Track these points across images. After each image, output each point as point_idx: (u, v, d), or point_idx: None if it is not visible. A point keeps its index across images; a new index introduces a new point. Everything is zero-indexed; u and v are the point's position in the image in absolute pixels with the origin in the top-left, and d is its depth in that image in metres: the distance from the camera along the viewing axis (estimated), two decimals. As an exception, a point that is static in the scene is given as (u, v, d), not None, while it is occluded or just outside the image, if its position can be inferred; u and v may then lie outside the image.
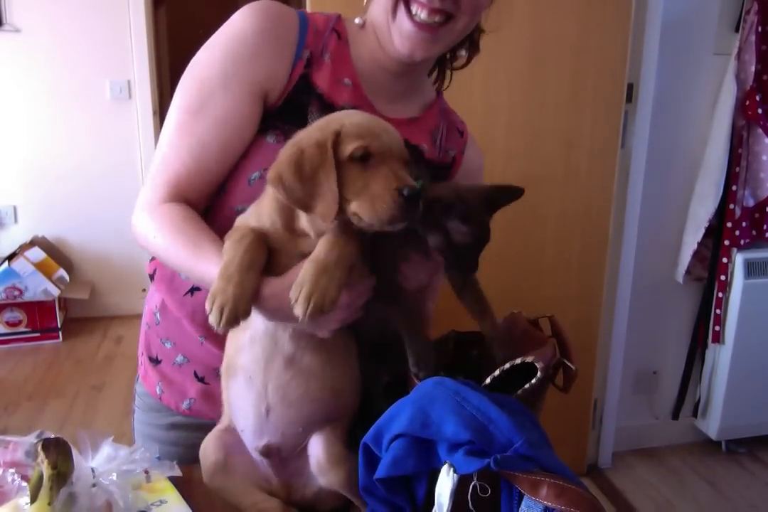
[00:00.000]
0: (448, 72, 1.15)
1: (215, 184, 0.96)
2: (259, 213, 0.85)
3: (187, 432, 1.07)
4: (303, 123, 0.92)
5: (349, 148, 0.77)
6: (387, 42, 0.96)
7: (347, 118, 0.81)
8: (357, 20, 1.01)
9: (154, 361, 1.10)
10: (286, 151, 0.81)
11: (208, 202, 0.98)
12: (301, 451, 0.88)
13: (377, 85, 1.01)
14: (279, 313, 0.80)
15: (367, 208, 0.76)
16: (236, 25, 0.94)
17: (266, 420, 0.87)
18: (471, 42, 1.11)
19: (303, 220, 0.83)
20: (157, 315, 1.08)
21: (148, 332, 1.11)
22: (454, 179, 1.11)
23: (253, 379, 0.86)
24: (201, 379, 1.05)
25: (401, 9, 0.92)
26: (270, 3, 0.96)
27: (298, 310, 0.75)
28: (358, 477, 0.81)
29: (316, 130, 0.81)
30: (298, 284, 0.76)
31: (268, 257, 0.82)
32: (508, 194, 0.83)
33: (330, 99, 0.97)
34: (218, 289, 0.77)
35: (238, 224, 0.86)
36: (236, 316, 0.77)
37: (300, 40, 0.96)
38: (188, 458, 0.97)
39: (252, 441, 0.89)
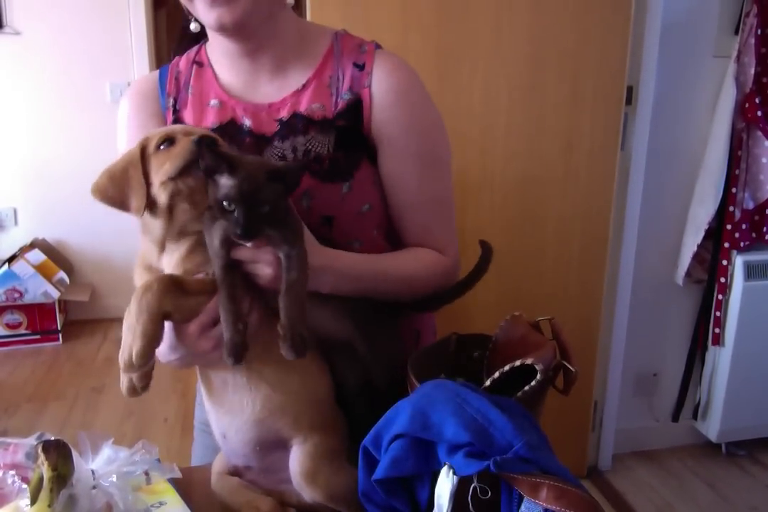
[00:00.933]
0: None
1: None
2: (134, 274, 0.92)
3: None
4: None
5: (154, 140, 0.84)
6: (204, 24, 0.97)
7: (150, 132, 0.89)
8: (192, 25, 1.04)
9: None
10: (108, 166, 0.89)
11: None
12: (280, 466, 0.88)
13: (246, 80, 1.01)
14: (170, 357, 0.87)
15: (165, 167, 0.81)
16: (118, 116, 1.08)
17: (226, 444, 0.90)
18: None
19: (147, 237, 0.88)
20: None
21: None
22: (372, 117, 0.98)
23: (209, 409, 0.91)
24: None
25: None
26: (132, 85, 1.10)
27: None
28: (340, 489, 0.82)
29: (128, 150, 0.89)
30: None
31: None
32: (289, 169, 0.81)
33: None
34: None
35: (139, 260, 0.92)
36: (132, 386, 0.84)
37: (161, 94, 1.04)
38: None
39: (226, 462, 0.93)
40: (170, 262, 0.85)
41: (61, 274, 3.70)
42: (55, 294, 3.60)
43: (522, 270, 2.31)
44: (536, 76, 2.17)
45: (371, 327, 0.93)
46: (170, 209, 0.83)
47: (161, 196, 0.82)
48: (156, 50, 4.14)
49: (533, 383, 0.75)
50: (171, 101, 1.03)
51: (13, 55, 3.69)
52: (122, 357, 0.78)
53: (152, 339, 0.78)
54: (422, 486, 0.74)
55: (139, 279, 0.88)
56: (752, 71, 2.33)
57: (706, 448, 2.77)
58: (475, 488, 0.66)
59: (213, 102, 1.01)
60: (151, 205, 0.83)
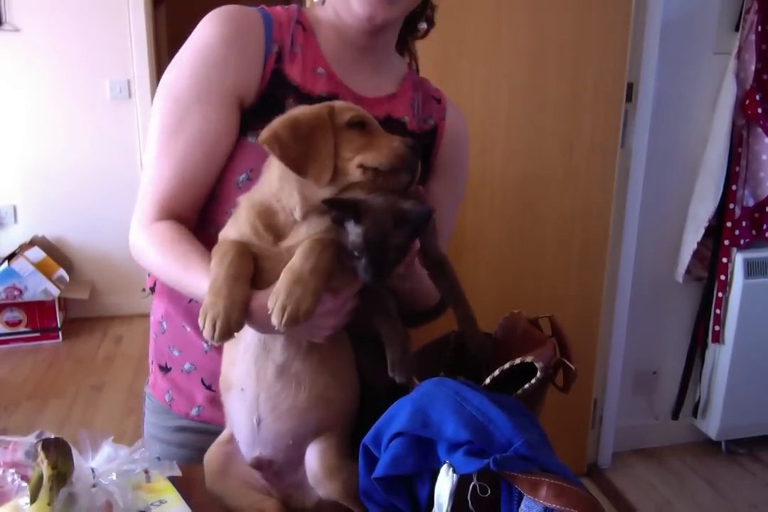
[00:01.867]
0: (411, 45, 1.16)
1: (204, 196, 0.98)
2: (238, 223, 0.85)
3: (196, 434, 1.07)
4: None
5: (346, 115, 0.82)
6: (347, 11, 0.96)
7: (336, 103, 0.86)
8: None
9: (164, 369, 1.10)
10: (280, 118, 0.83)
11: (200, 212, 0.99)
12: (299, 464, 0.87)
13: (349, 67, 1.02)
14: (267, 326, 0.78)
15: (374, 155, 0.80)
16: (200, 37, 0.95)
17: (257, 432, 0.87)
18: (426, 16, 1.13)
19: (290, 199, 0.82)
20: (163, 324, 1.09)
21: (157, 341, 1.12)
22: (441, 146, 1.10)
23: (246, 391, 0.86)
24: (208, 387, 1.05)
25: None
26: (229, 8, 0.96)
27: (274, 320, 0.75)
28: (356, 486, 0.81)
29: (306, 108, 0.84)
30: (274, 294, 0.76)
31: (256, 267, 0.82)
32: (416, 212, 0.77)
33: (306, 90, 0.97)
34: (209, 304, 0.77)
35: (221, 239, 0.86)
36: (229, 328, 0.77)
37: (267, 36, 0.96)
38: (196, 460, 0.97)
39: (246, 452, 0.90)
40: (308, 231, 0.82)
41: (61, 272, 3.70)
42: (55, 291, 3.60)
43: (522, 268, 2.31)
44: (536, 74, 2.16)
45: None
46: (348, 188, 0.81)
47: (352, 176, 0.80)
48: (156, 47, 4.14)
49: (533, 381, 0.75)
50: (276, 48, 0.96)
51: (12, 52, 3.69)
52: (284, 310, 0.74)
53: (320, 295, 0.76)
54: (422, 485, 0.74)
55: (248, 227, 0.83)
56: (753, 68, 2.33)
57: (706, 446, 2.78)
58: (474, 486, 0.66)
59: (321, 70, 0.99)
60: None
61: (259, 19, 0.96)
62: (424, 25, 1.13)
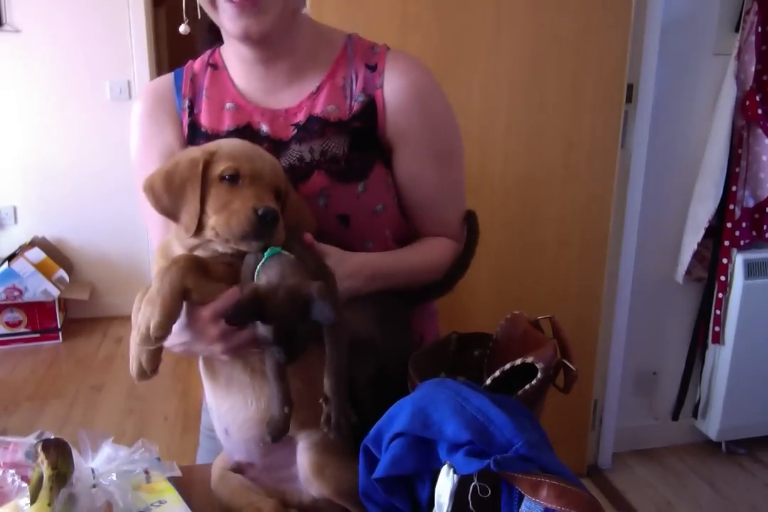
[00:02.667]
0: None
1: None
2: (154, 261, 0.94)
3: None
4: None
5: (220, 167, 0.83)
6: (227, 33, 0.97)
7: (226, 143, 0.88)
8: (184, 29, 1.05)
9: None
10: (162, 165, 0.88)
11: None
12: (287, 461, 0.88)
13: (262, 86, 1.02)
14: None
15: (223, 223, 0.81)
16: (131, 116, 1.07)
17: (228, 440, 0.90)
18: None
19: (174, 234, 0.88)
20: None
21: None
22: (387, 115, 0.99)
23: (210, 404, 0.92)
24: None
25: None
26: (146, 86, 1.09)
27: (134, 339, 0.82)
28: (347, 484, 0.81)
29: (197, 148, 0.87)
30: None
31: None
32: (321, 312, 0.75)
33: (214, 131, 1.02)
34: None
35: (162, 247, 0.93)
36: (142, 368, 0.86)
37: (177, 96, 1.04)
38: None
39: (228, 458, 0.93)
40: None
41: (61, 273, 3.70)
42: (55, 292, 3.60)
43: (522, 269, 2.31)
44: (536, 74, 2.16)
45: (387, 321, 0.93)
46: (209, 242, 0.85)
47: (209, 234, 0.83)
48: (155, 48, 4.14)
49: (534, 382, 0.75)
50: (187, 103, 1.03)
51: (12, 52, 3.69)
52: (140, 330, 0.79)
53: (171, 313, 0.79)
54: (423, 485, 0.74)
55: (157, 266, 0.89)
56: (752, 69, 2.33)
57: (706, 447, 2.77)
58: (475, 487, 0.66)
59: (229, 105, 1.02)
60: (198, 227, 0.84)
61: (170, 83, 1.05)
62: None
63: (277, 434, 0.80)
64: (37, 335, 3.64)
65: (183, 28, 1.05)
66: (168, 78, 1.06)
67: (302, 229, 0.89)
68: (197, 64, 1.06)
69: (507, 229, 2.26)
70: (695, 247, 2.48)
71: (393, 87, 0.99)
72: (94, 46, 3.78)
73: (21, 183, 3.85)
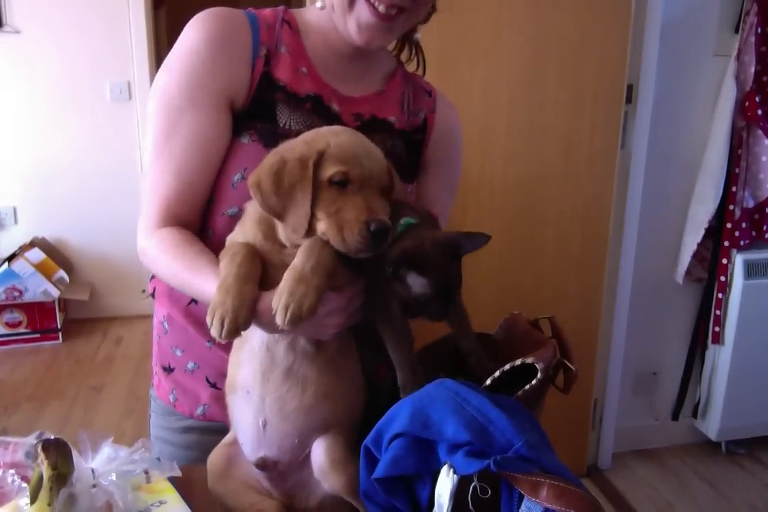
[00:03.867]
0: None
1: (204, 198, 0.99)
2: (244, 229, 0.88)
3: (202, 435, 1.08)
4: (273, 119, 0.96)
5: (329, 171, 0.80)
6: (343, 29, 0.96)
7: (334, 138, 0.83)
8: (318, 3, 1.00)
9: (167, 370, 1.11)
10: (269, 159, 0.83)
11: (203, 213, 1.00)
12: (303, 464, 0.88)
13: (334, 70, 1.03)
14: (274, 325, 0.79)
15: (335, 234, 0.79)
16: (188, 40, 0.95)
17: (263, 434, 0.87)
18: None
19: (280, 231, 0.85)
20: (165, 324, 1.10)
21: (159, 342, 1.13)
22: (432, 139, 1.10)
23: (251, 394, 0.87)
24: (213, 385, 1.06)
25: (360, 1, 0.93)
26: (215, 10, 0.97)
27: (278, 319, 0.76)
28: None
29: (302, 143, 0.83)
30: (278, 294, 0.77)
31: (263, 272, 0.83)
32: (474, 242, 0.78)
33: (293, 89, 0.98)
34: (218, 302, 0.79)
35: (228, 242, 0.88)
36: (237, 327, 0.78)
37: (254, 39, 0.97)
38: (203, 461, 0.97)
39: (250, 454, 0.90)
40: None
41: (61, 273, 3.70)
42: (55, 292, 3.60)
43: (522, 270, 2.31)
44: (536, 75, 2.17)
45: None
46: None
47: (318, 230, 0.81)
48: (155, 49, 4.14)
49: (534, 382, 0.75)
50: (264, 50, 0.97)
51: (12, 53, 3.69)
52: (287, 309, 0.75)
53: (323, 293, 0.78)
54: (423, 486, 0.74)
55: (252, 236, 0.86)
56: (752, 70, 2.33)
57: (706, 447, 2.78)
58: (475, 487, 0.66)
59: (303, 69, 1.00)
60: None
61: (245, 21, 0.97)
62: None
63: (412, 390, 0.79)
64: (37, 335, 3.63)
65: (320, 4, 1.00)
66: (241, 14, 0.98)
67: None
68: (269, 15, 1.00)
69: (507, 228, 2.26)
70: (695, 247, 2.49)
71: (443, 116, 1.12)
72: (94, 47, 3.78)
73: (21, 183, 3.85)
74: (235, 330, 0.78)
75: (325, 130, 0.87)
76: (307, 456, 0.87)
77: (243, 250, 0.83)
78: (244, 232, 0.87)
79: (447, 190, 1.15)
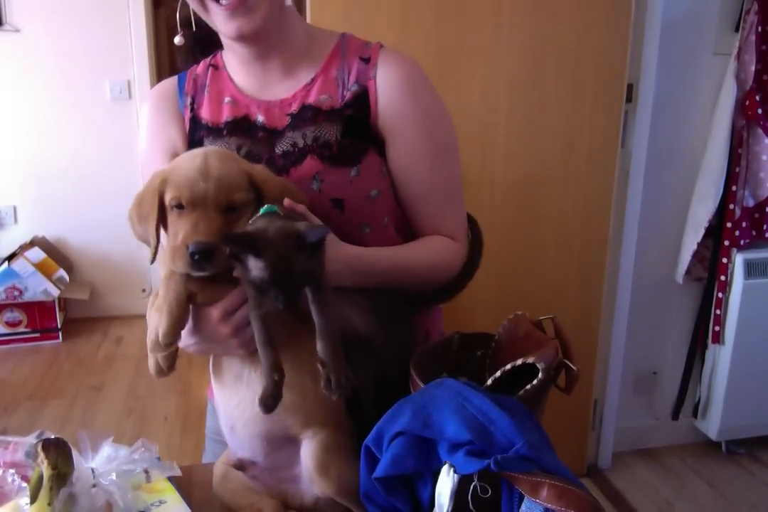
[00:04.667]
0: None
1: None
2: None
3: None
4: None
5: (168, 196, 0.85)
6: (222, 34, 1.02)
7: (179, 164, 0.88)
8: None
9: None
10: (141, 190, 0.91)
11: None
12: (291, 462, 0.88)
13: (258, 81, 1.06)
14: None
15: (168, 257, 0.84)
16: (141, 117, 1.15)
17: (234, 437, 0.90)
18: None
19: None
20: None
21: None
22: (379, 106, 1.02)
23: (217, 402, 0.92)
24: None
25: (207, 2, 0.97)
26: (155, 88, 1.15)
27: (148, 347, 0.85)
28: (350, 483, 0.81)
29: (158, 173, 0.89)
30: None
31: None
32: (315, 233, 0.75)
33: (214, 123, 1.06)
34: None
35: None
36: (159, 368, 0.88)
37: (180, 95, 1.10)
38: None
39: (231, 456, 0.93)
40: None
41: (61, 272, 3.69)
42: (55, 292, 3.60)
43: (522, 269, 2.31)
44: (536, 74, 2.16)
45: (390, 322, 0.93)
46: None
47: (166, 259, 0.86)
48: (155, 48, 4.14)
49: (535, 382, 0.75)
50: (189, 100, 1.09)
51: (12, 52, 3.69)
52: (149, 337, 0.82)
53: (178, 318, 0.82)
54: (424, 485, 0.74)
55: (163, 269, 0.90)
56: (752, 69, 2.33)
57: (706, 446, 2.78)
58: (475, 487, 0.66)
59: (227, 99, 1.07)
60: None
61: (174, 85, 1.12)
62: None
63: (271, 403, 0.77)
64: (37, 335, 3.63)
65: (178, 40, 1.13)
66: (172, 80, 1.13)
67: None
68: (200, 67, 1.12)
69: (507, 228, 2.26)
70: (695, 246, 2.49)
71: (385, 77, 1.02)
72: (94, 46, 3.77)
73: (21, 183, 3.85)
74: (159, 371, 0.88)
75: (183, 155, 0.92)
76: (292, 454, 0.87)
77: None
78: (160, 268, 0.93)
79: (421, 152, 1.04)
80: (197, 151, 0.90)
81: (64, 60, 3.75)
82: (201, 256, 0.80)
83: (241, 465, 0.91)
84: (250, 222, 0.80)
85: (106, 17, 3.76)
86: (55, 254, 3.83)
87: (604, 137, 2.27)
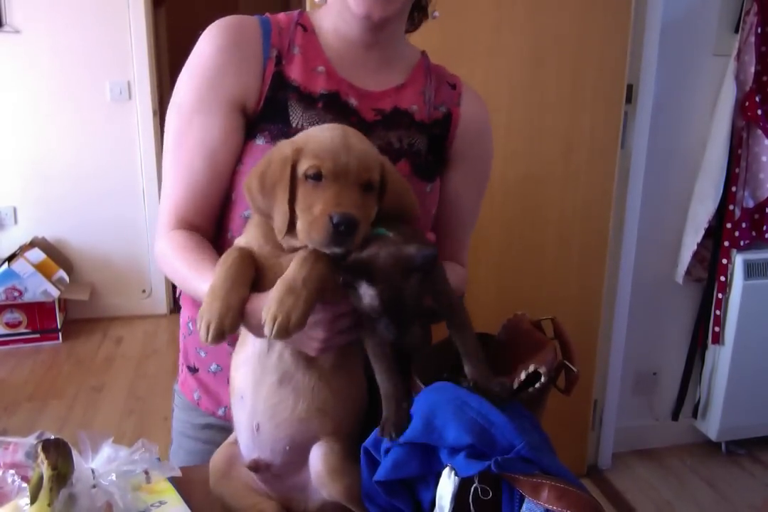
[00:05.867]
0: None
1: (217, 203, 1.01)
2: (247, 232, 0.89)
3: (223, 432, 1.08)
4: (286, 119, 0.97)
5: (303, 166, 0.80)
6: (345, 10, 0.98)
7: (316, 135, 0.84)
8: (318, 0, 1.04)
9: (192, 370, 1.13)
10: (260, 161, 0.85)
11: (217, 217, 1.03)
12: (300, 467, 0.88)
13: (352, 64, 1.04)
14: (261, 331, 0.78)
15: (304, 229, 0.78)
16: (199, 48, 1.00)
17: (256, 436, 0.88)
18: (419, 6, 1.11)
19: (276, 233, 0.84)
20: (189, 325, 1.12)
21: (185, 341, 1.15)
22: (458, 133, 1.08)
23: (245, 399, 0.88)
24: None
25: None
26: (226, 19, 1.01)
27: (266, 330, 0.75)
28: (360, 489, 0.81)
29: (288, 142, 0.84)
30: (267, 303, 0.77)
31: (261, 276, 0.83)
32: (425, 257, 0.74)
33: (307, 89, 0.99)
34: (205, 307, 0.79)
35: (234, 246, 0.89)
36: (222, 332, 0.78)
37: (265, 42, 1.00)
38: None
39: (245, 455, 0.90)
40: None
41: (61, 273, 3.69)
42: (55, 293, 3.60)
43: (522, 270, 2.30)
44: (536, 74, 2.16)
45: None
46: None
47: (297, 228, 0.80)
48: (156, 49, 4.14)
49: (537, 385, 0.75)
50: (275, 52, 1.00)
51: (12, 53, 3.69)
52: (275, 319, 0.75)
53: (312, 306, 0.77)
54: (425, 488, 0.74)
55: (253, 239, 0.86)
56: (752, 69, 2.33)
57: (706, 447, 2.77)
58: (476, 489, 0.66)
59: (321, 68, 1.02)
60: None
61: (256, 26, 1.00)
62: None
63: (395, 431, 0.75)
64: (37, 335, 3.63)
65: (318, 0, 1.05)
66: (253, 21, 1.01)
67: (404, 209, 0.88)
68: (283, 20, 1.03)
69: (507, 229, 2.26)
70: (695, 247, 2.49)
71: (469, 109, 1.10)
72: (94, 46, 3.77)
73: (21, 183, 3.85)
74: (220, 335, 0.78)
75: (315, 128, 0.88)
76: (304, 461, 0.87)
77: (234, 254, 0.83)
78: (247, 236, 0.88)
79: (473, 187, 1.13)
80: (332, 126, 0.86)
81: (64, 61, 3.75)
82: (346, 227, 0.75)
83: (255, 467, 0.89)
84: (363, 244, 0.77)
85: (106, 18, 3.76)
86: (55, 255, 3.83)
87: (604, 138, 2.27)
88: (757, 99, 2.34)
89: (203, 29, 1.02)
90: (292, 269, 0.78)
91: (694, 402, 2.75)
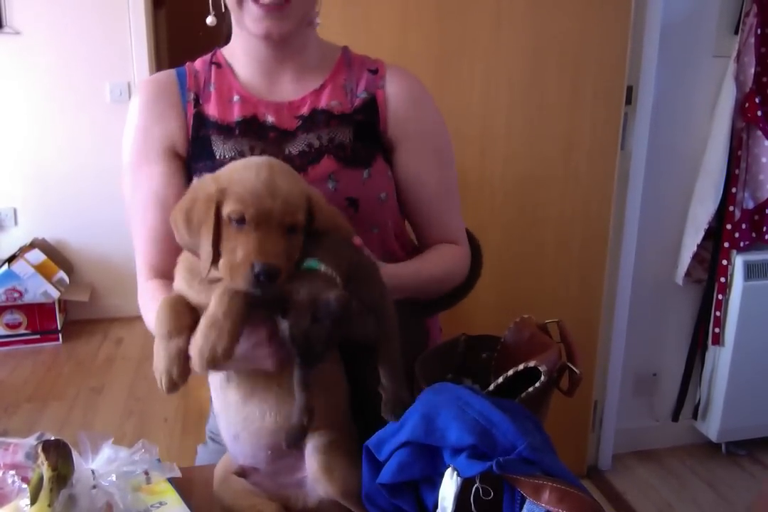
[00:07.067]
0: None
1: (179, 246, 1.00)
2: (177, 269, 0.90)
3: None
4: (212, 154, 1.03)
5: (227, 209, 0.80)
6: (248, 34, 1.03)
7: (240, 175, 0.82)
8: (208, 19, 1.10)
9: None
10: (185, 196, 0.86)
11: None
12: (295, 466, 0.88)
13: (269, 82, 1.09)
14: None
15: (225, 272, 0.79)
16: (130, 109, 1.09)
17: (237, 445, 0.90)
18: None
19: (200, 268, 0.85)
20: None
21: None
22: (389, 114, 1.08)
23: (219, 412, 0.91)
24: None
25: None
26: (147, 78, 1.14)
27: (194, 365, 0.79)
28: (356, 486, 0.81)
29: (212, 180, 0.83)
30: (193, 340, 0.79)
31: (199, 312, 0.83)
32: (334, 305, 0.75)
33: (224, 121, 1.06)
34: (154, 362, 0.83)
35: (174, 288, 0.90)
36: (173, 383, 0.82)
37: (181, 88, 1.08)
38: None
39: (233, 462, 0.93)
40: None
41: (61, 274, 3.69)
42: (55, 294, 3.60)
43: (522, 270, 2.30)
44: (536, 76, 2.16)
45: (403, 327, 0.93)
46: None
47: (221, 271, 0.81)
48: (156, 50, 4.14)
49: (537, 384, 0.75)
50: (192, 95, 1.07)
51: (12, 55, 3.69)
52: (202, 354, 0.77)
53: (237, 337, 0.78)
54: (430, 490, 0.74)
55: (181, 279, 0.88)
56: (752, 71, 2.33)
57: (706, 448, 2.77)
58: (477, 489, 0.66)
59: (236, 98, 1.08)
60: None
61: (172, 76, 1.09)
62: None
63: (293, 442, 0.82)
64: (37, 336, 3.63)
65: (210, 20, 1.10)
66: (169, 73, 1.10)
67: (339, 234, 0.89)
68: (198, 64, 1.11)
69: (507, 229, 2.26)
70: (695, 248, 2.49)
71: (394, 89, 1.09)
72: (94, 47, 3.77)
73: (21, 184, 3.85)
74: (172, 386, 0.82)
75: (240, 163, 0.87)
76: (295, 461, 0.88)
77: (164, 307, 0.84)
78: (177, 275, 0.89)
79: (429, 161, 1.11)
80: (258, 161, 0.85)
81: (64, 62, 3.75)
82: (266, 277, 0.76)
83: (242, 472, 0.91)
84: (292, 276, 0.79)
85: (106, 19, 3.76)
86: (55, 256, 3.83)
87: (604, 138, 2.27)
88: (757, 100, 2.34)
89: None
90: (212, 305, 0.79)
91: (694, 403, 2.75)
